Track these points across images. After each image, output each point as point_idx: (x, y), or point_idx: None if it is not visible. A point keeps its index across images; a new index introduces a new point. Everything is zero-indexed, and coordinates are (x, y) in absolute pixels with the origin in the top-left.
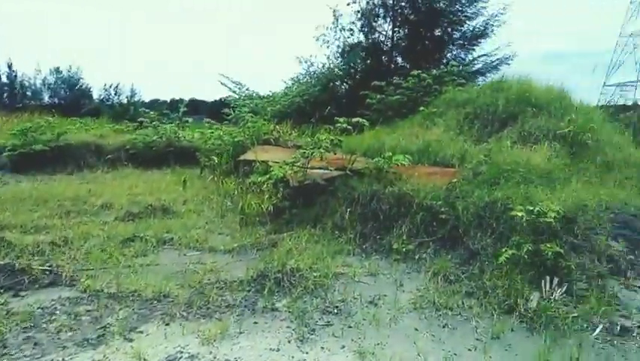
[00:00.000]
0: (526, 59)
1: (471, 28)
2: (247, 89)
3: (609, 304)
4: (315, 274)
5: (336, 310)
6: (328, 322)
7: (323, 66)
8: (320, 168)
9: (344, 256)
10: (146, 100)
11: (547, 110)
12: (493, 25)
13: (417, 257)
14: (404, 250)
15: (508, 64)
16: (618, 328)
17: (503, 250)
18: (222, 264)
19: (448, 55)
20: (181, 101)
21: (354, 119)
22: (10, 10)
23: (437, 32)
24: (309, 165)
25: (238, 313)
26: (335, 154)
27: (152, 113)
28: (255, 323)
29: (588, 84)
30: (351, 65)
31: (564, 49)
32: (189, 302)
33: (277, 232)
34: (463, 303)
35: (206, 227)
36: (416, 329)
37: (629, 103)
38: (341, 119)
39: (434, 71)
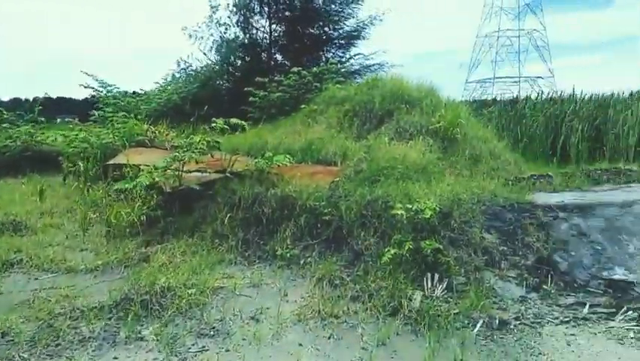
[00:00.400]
0: (400, 58)
1: (348, 29)
2: (114, 88)
3: (487, 297)
4: (190, 291)
5: (212, 332)
6: (203, 347)
7: (200, 63)
8: (197, 171)
9: (225, 266)
10: (5, 99)
11: (419, 107)
12: (368, 26)
13: (302, 262)
14: (289, 255)
15: (384, 70)
16: (497, 321)
17: (386, 249)
18: (81, 287)
19: (328, 54)
20: (49, 99)
21: (233, 120)
22: None
23: (315, 31)
24: (184, 169)
25: (94, 348)
26: (212, 156)
27: (4, 113)
28: (115, 358)
29: (457, 81)
30: (230, 61)
31: (434, 48)
32: (34, 340)
33: (150, 244)
34: (348, 309)
35: (66, 243)
36: (300, 344)
37: (489, 98)
38: (218, 120)
39: (314, 68)
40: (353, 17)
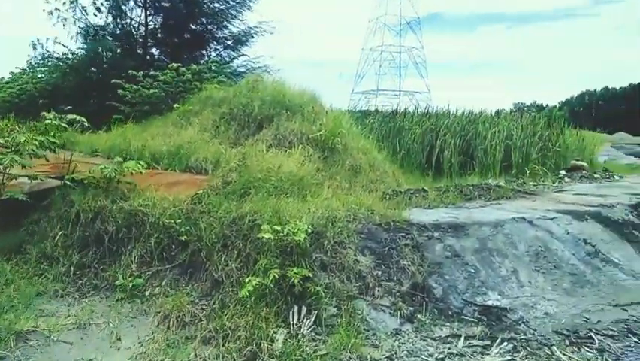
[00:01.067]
0: (288, 65)
1: (235, 30)
2: None
3: (359, 332)
4: None
5: None
6: None
7: (65, 50)
8: (29, 177)
9: (46, 300)
10: None
11: (301, 114)
12: (257, 31)
13: (147, 293)
14: (131, 284)
15: (270, 74)
16: None
17: (247, 279)
18: None
19: (212, 54)
20: None
21: (71, 116)
22: None
23: (197, 27)
24: (7, 172)
25: None
26: (48, 160)
27: None
28: None
29: (344, 91)
30: (98, 51)
31: (324, 58)
32: None
33: None
34: (196, 355)
35: None
36: None
37: (372, 109)
38: (48, 114)
39: (194, 66)
40: (240, 19)
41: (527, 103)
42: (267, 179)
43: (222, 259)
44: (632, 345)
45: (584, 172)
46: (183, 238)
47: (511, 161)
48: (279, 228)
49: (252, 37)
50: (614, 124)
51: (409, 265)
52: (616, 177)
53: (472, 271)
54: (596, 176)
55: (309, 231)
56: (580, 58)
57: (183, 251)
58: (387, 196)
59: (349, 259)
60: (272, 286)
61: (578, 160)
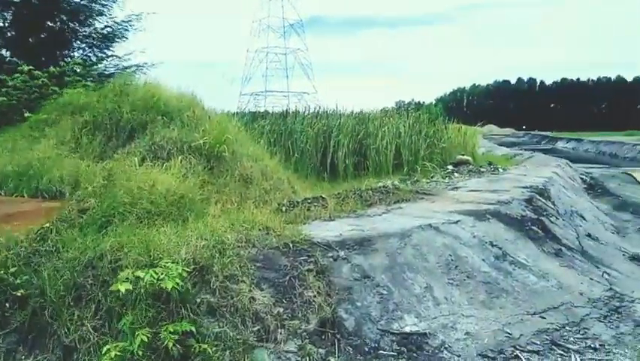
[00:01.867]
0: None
1: (102, 27)
2: None
3: None
4: None
5: None
6: None
7: None
8: None
9: None
10: None
11: (180, 120)
12: (128, 26)
13: None
14: None
15: (144, 72)
16: None
17: (106, 348)
18: None
19: (77, 54)
20: None
21: None
22: None
23: (56, 25)
24: None
25: None
26: None
27: None
28: None
29: (233, 93)
30: None
31: (209, 59)
32: None
33: None
34: None
35: None
36: None
37: (262, 110)
38: None
39: (52, 68)
40: (106, 15)
41: (407, 101)
42: (135, 203)
43: (75, 317)
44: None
45: (470, 166)
46: (20, 293)
47: (402, 159)
48: (142, 274)
49: (122, 33)
50: (482, 117)
51: (314, 296)
52: (500, 170)
53: (385, 292)
54: (482, 170)
55: (187, 270)
56: (449, 58)
57: (21, 310)
58: (284, 208)
59: (243, 298)
60: (140, 352)
61: (462, 155)
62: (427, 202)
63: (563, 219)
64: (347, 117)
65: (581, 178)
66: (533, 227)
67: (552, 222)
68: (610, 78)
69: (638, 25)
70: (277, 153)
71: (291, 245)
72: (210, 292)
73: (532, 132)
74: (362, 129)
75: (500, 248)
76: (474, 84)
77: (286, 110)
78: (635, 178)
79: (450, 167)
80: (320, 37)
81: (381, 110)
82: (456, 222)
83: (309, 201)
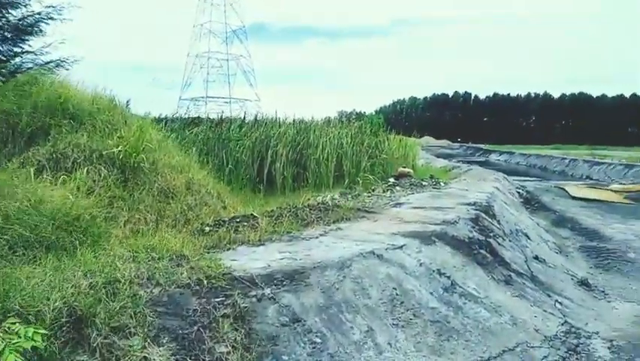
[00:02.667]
0: (111, 70)
1: (18, 18)
2: None
3: None
4: None
5: None
6: None
7: None
8: None
9: None
10: None
11: (91, 124)
12: (45, 18)
13: None
14: None
15: (67, 68)
16: None
17: None
18: None
19: None
20: None
21: None
22: None
23: None
24: None
25: None
26: None
27: None
28: None
29: (172, 98)
30: None
31: (150, 61)
32: None
33: None
34: None
35: None
36: None
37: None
38: None
39: None
40: (22, 7)
41: (349, 111)
42: (7, 227)
43: None
44: None
45: (412, 179)
46: None
47: (344, 170)
48: None
49: (40, 25)
50: (420, 129)
51: (228, 351)
52: (442, 184)
53: (318, 341)
54: (424, 183)
55: (57, 325)
56: (388, 70)
57: None
58: (208, 229)
59: (133, 358)
60: None
61: (404, 167)
62: (368, 222)
63: (510, 240)
64: (287, 126)
65: (518, 192)
66: (481, 250)
67: (500, 243)
68: (538, 94)
69: (567, 47)
70: (210, 163)
71: (205, 281)
72: (89, 352)
73: (467, 144)
74: (302, 139)
75: (449, 277)
76: (412, 96)
77: (221, 116)
78: (567, 192)
79: (391, 180)
80: (263, 45)
81: (323, 119)
82: (401, 246)
83: (238, 220)
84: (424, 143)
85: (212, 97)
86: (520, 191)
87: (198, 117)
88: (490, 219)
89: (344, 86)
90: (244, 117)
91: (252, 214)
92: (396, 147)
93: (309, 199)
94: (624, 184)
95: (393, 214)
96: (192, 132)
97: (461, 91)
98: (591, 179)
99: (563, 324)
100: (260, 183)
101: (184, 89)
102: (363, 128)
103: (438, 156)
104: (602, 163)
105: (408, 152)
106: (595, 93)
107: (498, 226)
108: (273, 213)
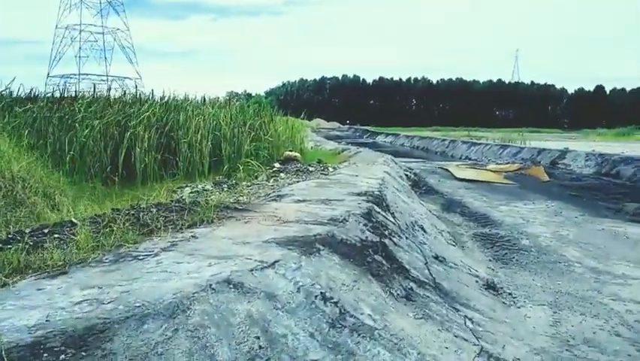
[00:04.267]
0: None
1: None
2: None
3: None
4: None
5: None
6: None
7: None
8: None
9: None
10: None
11: None
12: None
13: None
14: None
15: None
16: None
17: None
18: None
19: None
20: None
21: None
22: None
23: None
24: None
25: None
26: None
27: None
28: None
29: (39, 75)
30: None
31: (17, 35)
32: None
33: None
34: None
35: None
36: None
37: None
38: None
39: None
40: None
41: (239, 92)
42: None
43: None
44: None
45: (298, 164)
46: None
47: (222, 155)
48: None
49: None
50: (311, 111)
51: None
52: (330, 169)
53: None
54: (311, 169)
55: None
56: (278, 52)
57: None
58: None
59: None
60: None
61: (290, 151)
62: (237, 224)
63: (407, 237)
64: (152, 104)
65: (406, 175)
66: (376, 256)
67: (396, 243)
68: (417, 78)
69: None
70: (47, 149)
71: None
72: None
73: (355, 127)
74: (171, 120)
75: (336, 303)
76: (302, 78)
77: (62, 93)
78: (451, 173)
79: (277, 165)
80: (144, 20)
81: (202, 98)
82: (273, 264)
83: (47, 230)
84: (314, 125)
85: (87, 74)
86: (408, 174)
87: (32, 94)
88: (384, 213)
89: (234, 65)
90: (94, 94)
91: (71, 220)
92: (283, 128)
93: (174, 191)
94: (500, 164)
95: (270, 211)
96: (22, 112)
97: (349, 74)
98: (470, 159)
99: (479, 354)
100: (115, 174)
101: (53, 65)
102: (246, 108)
103: (328, 138)
104: (479, 144)
105: (295, 134)
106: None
107: (393, 220)
108: (104, 217)
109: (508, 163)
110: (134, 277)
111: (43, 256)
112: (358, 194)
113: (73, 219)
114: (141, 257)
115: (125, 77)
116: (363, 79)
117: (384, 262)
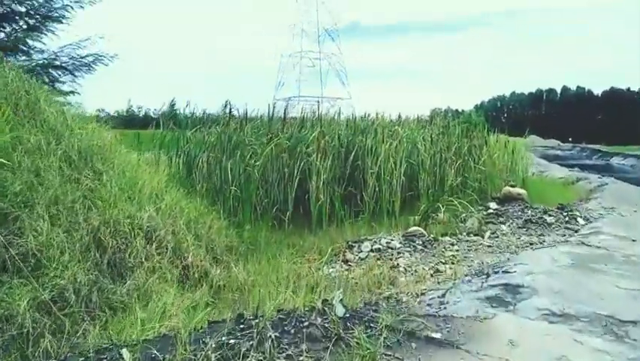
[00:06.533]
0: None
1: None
2: None
3: None
4: None
5: None
6: None
7: None
8: None
9: None
10: None
11: None
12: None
13: None
14: None
15: (105, 63)
16: None
17: None
18: None
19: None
20: None
21: None
22: None
23: None
24: None
25: None
26: None
27: None
28: None
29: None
30: None
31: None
32: None
33: None
34: None
35: None
36: None
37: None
38: None
39: None
40: None
41: (443, 109)
42: None
43: None
44: None
45: (523, 204)
46: None
47: (419, 189)
48: None
49: (65, 10)
50: (521, 127)
51: None
52: (580, 221)
53: None
54: (548, 220)
55: None
56: (486, 65)
57: None
58: None
59: None
60: None
61: (512, 185)
62: None
63: None
64: (333, 126)
65: None
66: None
67: None
68: None
69: None
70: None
71: None
72: None
73: (580, 145)
74: (356, 145)
75: None
76: (514, 92)
77: (229, 111)
78: None
79: (493, 204)
80: (357, 43)
81: (397, 116)
82: None
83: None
84: (529, 143)
85: (304, 96)
86: None
87: (205, 115)
88: None
89: (439, 83)
90: (272, 113)
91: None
92: (500, 153)
93: (350, 247)
94: None
95: (501, 355)
96: (204, 134)
97: (571, 86)
98: None
99: None
100: (285, 211)
101: (278, 89)
102: (451, 129)
103: (547, 158)
104: None
105: (516, 159)
106: None
107: None
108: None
109: None
110: None
111: None
112: None
113: (122, 352)
114: None
115: (336, 98)
116: (589, 90)
117: None
